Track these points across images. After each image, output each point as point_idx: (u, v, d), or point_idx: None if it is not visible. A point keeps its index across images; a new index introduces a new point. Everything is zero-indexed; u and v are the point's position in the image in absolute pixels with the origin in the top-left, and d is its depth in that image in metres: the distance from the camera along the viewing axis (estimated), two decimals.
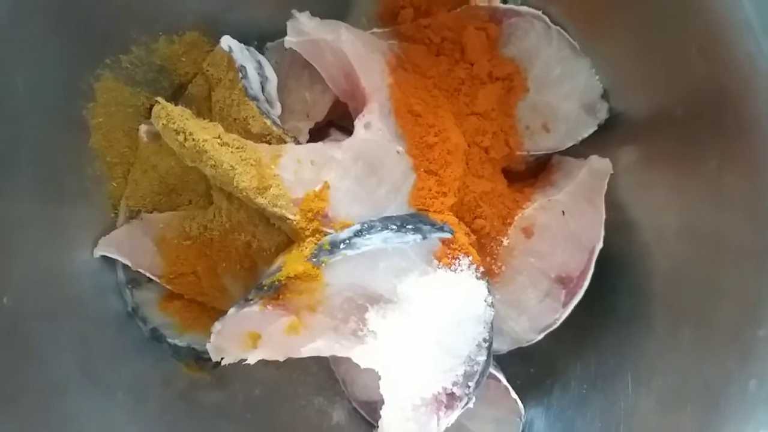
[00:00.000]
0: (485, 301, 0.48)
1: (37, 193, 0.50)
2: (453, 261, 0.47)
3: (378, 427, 0.48)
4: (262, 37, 0.56)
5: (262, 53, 0.55)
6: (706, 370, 0.46)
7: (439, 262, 0.47)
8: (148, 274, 0.54)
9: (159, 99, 0.47)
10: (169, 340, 0.55)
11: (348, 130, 0.52)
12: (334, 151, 0.48)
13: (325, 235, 0.47)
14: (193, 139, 0.45)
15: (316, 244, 0.46)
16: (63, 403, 0.49)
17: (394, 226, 0.46)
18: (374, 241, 0.46)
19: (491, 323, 0.48)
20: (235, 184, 0.45)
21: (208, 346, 0.49)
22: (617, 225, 0.54)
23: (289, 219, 0.46)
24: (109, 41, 0.52)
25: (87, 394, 0.50)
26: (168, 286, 0.54)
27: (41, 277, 0.50)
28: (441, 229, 0.47)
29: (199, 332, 0.55)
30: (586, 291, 0.53)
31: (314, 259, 0.46)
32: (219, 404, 0.57)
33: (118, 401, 0.52)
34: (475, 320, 0.47)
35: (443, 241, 0.47)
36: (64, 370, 0.50)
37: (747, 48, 0.44)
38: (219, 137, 0.46)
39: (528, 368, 0.58)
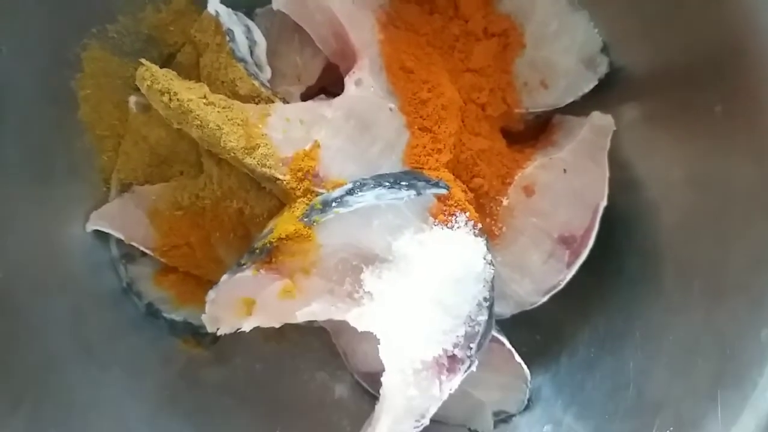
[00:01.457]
0: (484, 258, 0.46)
1: (26, 168, 0.50)
2: (449, 218, 0.46)
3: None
4: (251, 4, 0.55)
5: (252, 19, 0.54)
6: (718, 322, 0.44)
7: (435, 218, 0.46)
8: (141, 248, 0.53)
9: (143, 60, 0.46)
10: (165, 315, 0.54)
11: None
12: (324, 109, 0.47)
13: (317, 195, 0.46)
14: (178, 99, 0.44)
15: (307, 204, 0.45)
16: (57, 377, 0.48)
17: (387, 183, 0.45)
18: (367, 198, 0.44)
19: (491, 282, 0.47)
20: (222, 145, 0.44)
21: (204, 317, 0.48)
22: (622, 183, 0.53)
23: (278, 179, 0.45)
24: (94, 10, 0.51)
25: (82, 369, 0.50)
26: (162, 259, 0.53)
27: (33, 254, 0.50)
28: (436, 184, 0.45)
29: (195, 306, 0.54)
30: (592, 252, 0.51)
31: (306, 219, 0.44)
32: (220, 381, 0.56)
33: (114, 377, 0.51)
34: (474, 278, 0.46)
35: (439, 198, 0.46)
36: (59, 345, 0.49)
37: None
38: (204, 97, 0.45)
39: (534, 335, 0.56)
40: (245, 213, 0.50)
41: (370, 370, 0.55)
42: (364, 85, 0.47)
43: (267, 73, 0.51)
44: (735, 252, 0.44)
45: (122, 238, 0.53)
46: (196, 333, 0.55)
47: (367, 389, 0.56)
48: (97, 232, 0.53)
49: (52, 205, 0.52)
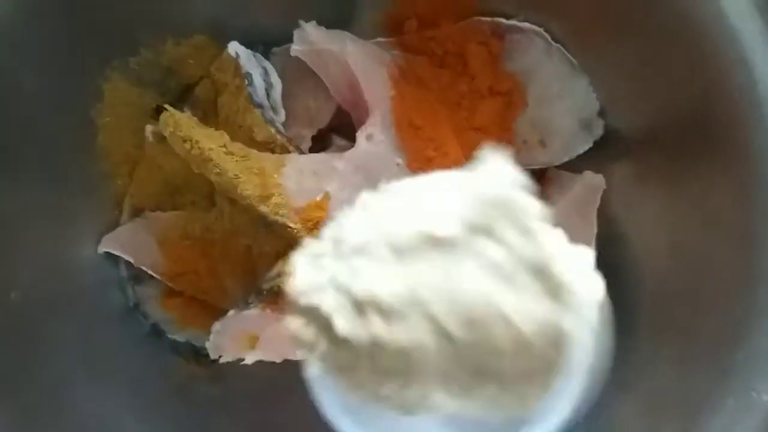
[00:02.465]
0: None
1: (44, 190, 0.52)
2: None
3: None
4: (269, 41, 0.57)
5: (268, 58, 0.56)
6: (686, 386, 0.47)
7: None
8: (150, 272, 0.55)
9: (167, 106, 0.48)
10: (169, 335, 0.57)
11: (349, 135, 0.53)
12: (336, 161, 0.49)
13: None
14: (200, 148, 0.46)
15: None
16: (65, 394, 0.50)
17: None
18: None
19: None
20: (239, 192, 0.47)
21: (207, 345, 0.50)
22: (608, 238, 0.56)
23: (290, 227, 0.48)
24: (117, 43, 0.53)
25: (88, 385, 0.52)
26: (169, 284, 0.55)
27: (47, 272, 0.52)
28: None
29: (198, 329, 0.56)
30: None
31: None
32: (217, 398, 0.59)
33: (117, 393, 0.54)
34: None
35: None
36: (67, 362, 0.51)
37: (739, 75, 0.46)
38: (224, 146, 0.47)
39: None
40: (253, 250, 0.52)
41: None
42: (374, 140, 0.50)
43: (281, 116, 0.54)
44: (706, 323, 0.47)
45: (132, 261, 0.55)
46: (197, 354, 0.57)
47: None
48: (107, 253, 0.55)
49: (67, 226, 0.54)
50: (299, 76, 0.56)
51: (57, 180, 0.53)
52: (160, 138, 0.55)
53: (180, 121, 0.47)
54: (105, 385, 0.53)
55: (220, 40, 0.55)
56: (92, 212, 0.55)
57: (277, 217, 0.47)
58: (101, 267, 0.56)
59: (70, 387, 0.51)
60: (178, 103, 0.56)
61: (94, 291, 0.55)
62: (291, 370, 0.61)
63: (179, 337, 0.57)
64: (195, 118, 0.49)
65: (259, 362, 0.60)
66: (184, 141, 0.46)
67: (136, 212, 0.56)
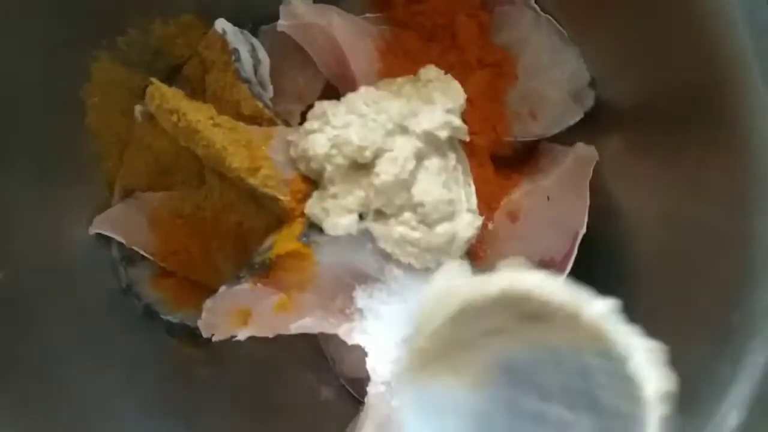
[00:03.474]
0: None
1: (33, 172, 0.51)
2: None
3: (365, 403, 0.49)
4: (257, 19, 0.57)
5: (256, 36, 0.56)
6: (680, 355, 0.47)
7: None
8: (142, 252, 0.55)
9: (153, 80, 0.48)
10: (162, 316, 0.56)
11: None
12: None
13: None
14: (187, 120, 0.46)
15: (304, 224, 0.48)
16: (58, 377, 0.50)
17: None
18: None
19: None
20: (227, 164, 0.47)
21: (199, 323, 0.50)
22: (602, 210, 0.55)
23: (279, 199, 0.48)
24: (105, 23, 0.53)
25: (82, 367, 0.52)
26: (161, 264, 0.55)
27: (38, 254, 0.52)
28: None
29: (191, 309, 0.56)
30: (570, 275, 0.54)
31: (304, 238, 0.47)
32: (211, 380, 0.59)
33: (112, 374, 0.53)
34: None
35: None
36: (60, 345, 0.51)
37: (730, 42, 0.45)
38: (212, 118, 0.47)
39: None
40: (244, 226, 0.52)
41: (356, 377, 0.58)
42: None
43: (270, 92, 0.54)
44: (700, 290, 0.47)
45: (124, 242, 0.55)
46: (191, 334, 0.57)
47: (353, 394, 0.59)
48: (99, 234, 0.55)
49: (57, 208, 0.53)
50: (287, 53, 0.56)
51: (46, 162, 0.52)
52: (150, 118, 0.54)
53: (166, 94, 0.47)
54: (99, 368, 0.53)
55: (208, 19, 0.55)
56: (83, 194, 0.55)
57: (267, 190, 0.47)
58: (93, 249, 0.56)
59: (63, 370, 0.51)
60: (167, 82, 0.56)
61: (86, 273, 0.55)
62: (283, 351, 0.62)
63: (173, 318, 0.57)
64: (181, 92, 0.48)
65: (255, 344, 0.60)
66: (171, 113, 0.46)
67: (127, 193, 0.56)
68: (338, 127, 0.46)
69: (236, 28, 0.53)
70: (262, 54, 0.54)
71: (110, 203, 0.56)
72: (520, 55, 0.56)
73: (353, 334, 0.48)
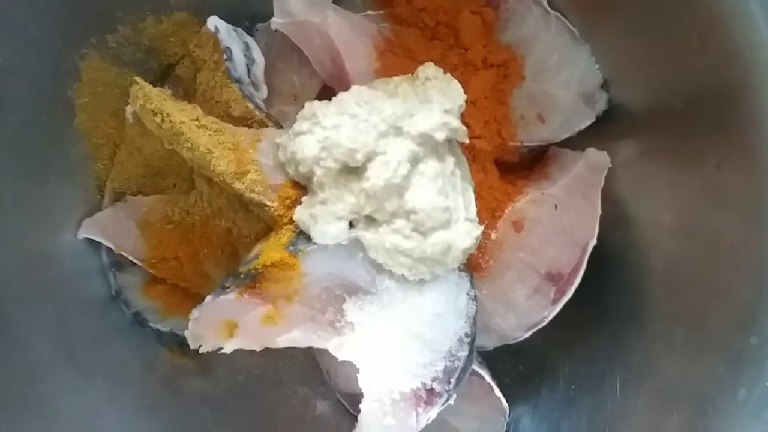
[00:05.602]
0: (467, 294, 0.46)
1: (21, 173, 0.50)
2: None
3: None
4: (254, 17, 0.55)
5: (252, 34, 0.54)
6: (696, 375, 0.44)
7: None
8: (131, 258, 0.53)
9: (137, 78, 0.46)
10: (152, 324, 0.55)
11: None
12: None
13: None
14: (170, 121, 0.44)
15: (293, 232, 0.45)
16: (40, 385, 0.48)
17: None
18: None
19: (474, 318, 0.47)
20: (212, 168, 0.44)
21: (187, 333, 0.48)
22: (614, 220, 0.52)
23: (266, 206, 0.45)
24: (94, 20, 0.51)
25: (65, 376, 0.50)
26: (151, 271, 0.53)
27: (23, 259, 0.50)
28: None
29: (181, 317, 0.54)
30: (579, 288, 0.51)
31: (291, 248, 0.44)
32: (201, 391, 0.57)
33: (97, 385, 0.52)
34: (457, 314, 0.46)
35: None
36: (42, 352, 0.49)
37: (749, 39, 0.42)
38: (197, 119, 0.45)
39: (516, 365, 0.56)
40: (233, 233, 0.50)
41: (351, 392, 0.55)
42: None
43: (263, 93, 0.51)
44: (716, 308, 0.44)
45: (112, 247, 0.53)
46: (181, 343, 0.55)
47: (348, 409, 0.56)
48: (88, 239, 0.53)
49: (45, 211, 0.52)
50: (283, 52, 0.54)
51: (34, 164, 0.51)
52: (141, 119, 0.53)
53: (150, 94, 0.45)
54: (85, 376, 0.51)
55: (202, 16, 0.53)
56: (72, 197, 0.53)
57: (253, 195, 0.45)
58: (82, 254, 0.54)
59: (47, 378, 0.49)
60: (159, 82, 0.54)
61: (74, 279, 0.53)
62: (278, 362, 0.59)
63: (162, 326, 0.55)
64: (166, 92, 0.46)
65: (248, 353, 0.58)
66: (155, 114, 0.44)
67: (118, 197, 0.54)
68: (328, 129, 0.44)
69: (230, 26, 0.51)
70: (257, 53, 0.52)
71: (99, 206, 0.54)
72: (527, 54, 0.53)
73: (343, 349, 0.46)
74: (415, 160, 0.44)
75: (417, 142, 0.44)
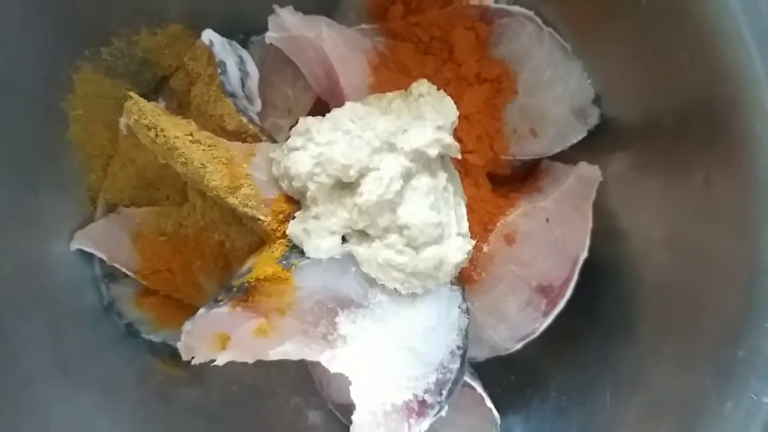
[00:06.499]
0: (459, 307, 0.47)
1: (13, 184, 0.50)
2: None
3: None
4: (248, 30, 0.55)
5: (247, 47, 0.54)
6: (684, 387, 0.44)
7: None
8: (123, 269, 0.53)
9: (131, 93, 0.46)
10: (144, 335, 0.55)
11: None
12: None
13: None
14: (164, 136, 0.44)
15: (286, 246, 0.46)
16: (31, 396, 0.48)
17: None
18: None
19: (465, 330, 0.47)
20: (205, 183, 0.44)
21: (179, 345, 0.48)
22: (605, 233, 0.53)
23: (260, 220, 0.45)
24: (89, 33, 0.51)
25: (57, 387, 0.50)
26: (143, 282, 0.53)
27: (15, 270, 0.50)
28: None
29: (174, 328, 0.54)
30: (570, 300, 0.52)
31: (284, 262, 0.45)
32: (194, 402, 0.57)
33: (89, 395, 0.52)
34: (449, 326, 0.46)
35: None
36: (35, 362, 0.49)
37: (737, 55, 0.42)
38: (191, 134, 0.45)
39: (508, 376, 0.57)
40: (226, 245, 0.50)
41: (343, 402, 0.55)
42: None
43: (257, 106, 0.52)
44: (705, 321, 0.44)
45: (105, 258, 0.53)
46: (174, 354, 0.55)
47: (340, 419, 0.56)
48: (81, 251, 0.53)
49: (38, 222, 0.52)
50: (278, 65, 0.54)
51: (27, 175, 0.51)
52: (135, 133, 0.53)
53: (144, 109, 0.45)
54: (77, 387, 0.51)
55: (197, 29, 0.53)
56: (65, 208, 0.54)
57: (246, 210, 0.45)
58: (75, 265, 0.54)
59: (40, 389, 0.49)
60: (153, 94, 0.55)
61: (67, 290, 0.53)
62: (271, 372, 0.59)
63: (155, 337, 0.55)
64: (161, 107, 0.46)
65: (238, 365, 0.58)
66: (149, 129, 0.44)
67: (111, 208, 0.54)
68: (322, 145, 0.44)
69: (224, 39, 0.52)
70: (251, 66, 0.52)
71: (92, 218, 0.54)
72: (520, 69, 0.53)
73: (336, 362, 0.46)
74: (407, 176, 0.44)
75: (410, 158, 0.44)
